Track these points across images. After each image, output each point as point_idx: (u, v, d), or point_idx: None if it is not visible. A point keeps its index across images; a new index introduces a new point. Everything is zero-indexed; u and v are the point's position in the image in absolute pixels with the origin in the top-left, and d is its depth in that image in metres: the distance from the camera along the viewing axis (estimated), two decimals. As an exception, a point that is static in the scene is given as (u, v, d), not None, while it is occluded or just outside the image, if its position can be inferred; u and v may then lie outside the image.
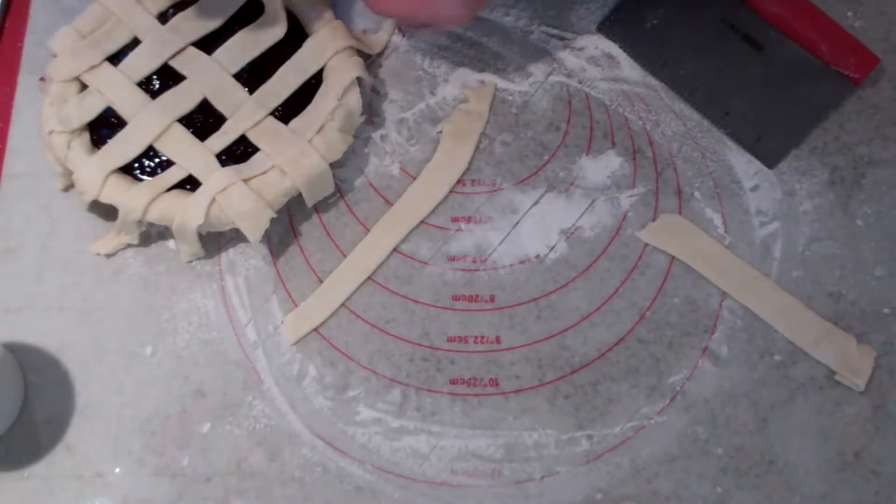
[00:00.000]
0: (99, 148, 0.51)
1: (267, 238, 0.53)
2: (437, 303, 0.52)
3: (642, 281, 0.52)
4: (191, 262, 0.52)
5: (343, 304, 0.51)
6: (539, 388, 0.50)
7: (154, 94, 0.53)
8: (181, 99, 0.53)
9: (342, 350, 0.51)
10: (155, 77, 0.54)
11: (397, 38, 0.58)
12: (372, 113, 0.56)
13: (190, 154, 0.51)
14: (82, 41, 0.53)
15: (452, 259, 0.53)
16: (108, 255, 0.52)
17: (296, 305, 0.51)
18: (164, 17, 0.55)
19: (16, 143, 0.55)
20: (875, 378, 0.49)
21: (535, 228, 0.53)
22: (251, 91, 0.53)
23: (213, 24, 0.54)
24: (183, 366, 0.50)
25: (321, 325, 0.51)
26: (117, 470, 0.48)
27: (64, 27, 0.54)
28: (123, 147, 0.51)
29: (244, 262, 0.52)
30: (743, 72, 0.56)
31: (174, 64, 0.53)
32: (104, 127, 0.52)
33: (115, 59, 0.53)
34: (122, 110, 0.52)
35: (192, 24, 0.54)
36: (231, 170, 0.50)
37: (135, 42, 0.54)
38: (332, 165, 0.52)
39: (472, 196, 0.54)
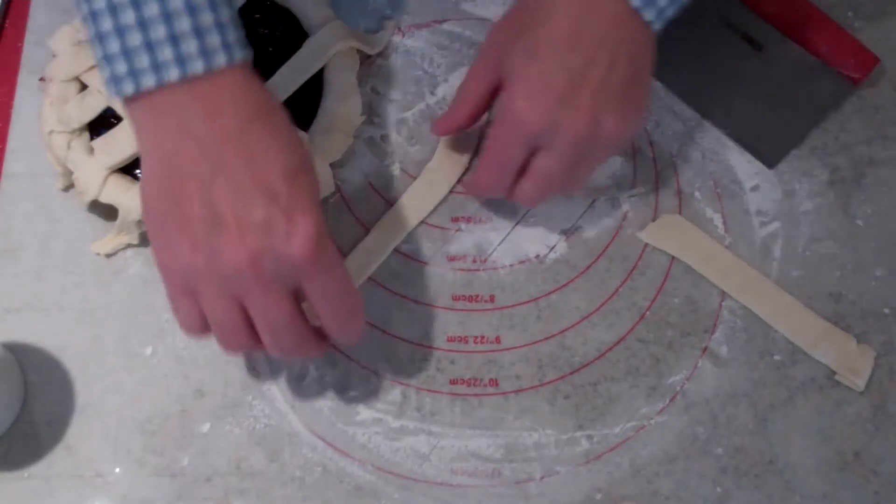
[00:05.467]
0: (99, 148, 0.51)
1: (267, 238, 0.53)
2: (437, 303, 0.52)
3: (642, 281, 0.52)
4: (191, 262, 0.52)
5: (343, 304, 0.51)
6: (539, 388, 0.50)
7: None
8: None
9: (342, 350, 0.50)
10: (155, 77, 0.53)
11: (397, 38, 0.58)
12: (372, 113, 0.56)
13: (190, 154, 0.51)
14: (82, 41, 0.53)
15: (452, 259, 0.53)
16: (108, 255, 0.52)
17: (296, 305, 0.51)
18: (164, 17, 0.55)
19: (16, 143, 0.55)
20: (875, 378, 0.49)
21: (535, 228, 0.53)
22: (251, 91, 0.53)
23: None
24: (183, 366, 0.50)
25: (321, 325, 0.51)
26: (117, 470, 0.48)
27: (64, 27, 0.54)
28: (123, 147, 0.51)
29: (244, 262, 0.52)
30: (743, 72, 0.56)
31: (174, 64, 0.53)
32: (104, 127, 0.52)
33: (115, 59, 0.53)
34: (122, 110, 0.52)
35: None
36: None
37: (135, 42, 0.54)
38: (332, 165, 0.52)
39: (472, 196, 0.54)
